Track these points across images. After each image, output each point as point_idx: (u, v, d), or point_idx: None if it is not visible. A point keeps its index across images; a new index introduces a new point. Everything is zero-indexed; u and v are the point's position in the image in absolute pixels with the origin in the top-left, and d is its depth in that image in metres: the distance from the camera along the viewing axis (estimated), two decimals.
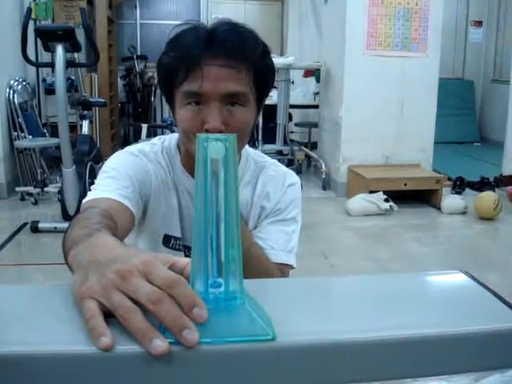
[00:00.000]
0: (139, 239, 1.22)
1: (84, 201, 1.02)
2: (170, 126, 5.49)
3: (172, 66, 1.03)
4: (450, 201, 4.76)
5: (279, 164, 1.28)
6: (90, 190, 1.07)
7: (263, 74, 1.06)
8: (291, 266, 1.20)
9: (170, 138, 1.21)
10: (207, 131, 0.99)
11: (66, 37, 3.76)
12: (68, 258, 0.64)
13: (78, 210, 0.90)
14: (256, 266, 1.06)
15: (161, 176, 1.16)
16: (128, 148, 1.18)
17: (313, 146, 6.43)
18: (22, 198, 4.76)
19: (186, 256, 1.17)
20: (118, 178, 1.07)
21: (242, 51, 1.01)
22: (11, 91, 4.95)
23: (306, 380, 0.48)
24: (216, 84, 1.00)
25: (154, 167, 1.15)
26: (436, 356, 0.50)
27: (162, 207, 1.17)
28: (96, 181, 1.09)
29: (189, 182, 1.16)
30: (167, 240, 1.21)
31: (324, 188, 5.38)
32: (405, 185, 4.75)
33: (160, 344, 0.45)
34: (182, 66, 1.01)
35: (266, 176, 1.23)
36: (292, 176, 1.26)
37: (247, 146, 1.21)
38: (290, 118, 6.50)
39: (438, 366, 0.51)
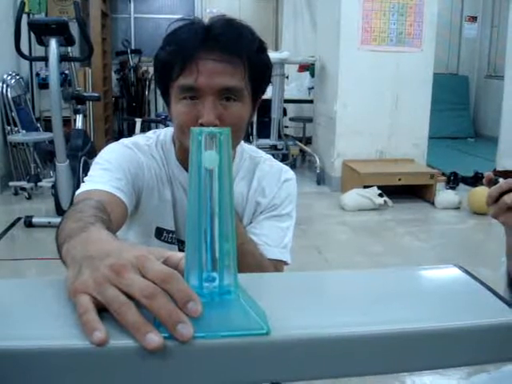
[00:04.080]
0: (130, 231, 1.22)
1: (77, 192, 1.01)
2: (164, 121, 5.48)
3: (168, 60, 1.03)
4: (444, 196, 4.78)
5: (274, 160, 1.28)
6: (83, 182, 1.06)
7: (259, 70, 1.06)
8: (285, 262, 1.20)
9: (166, 132, 1.21)
10: (202, 126, 0.99)
11: (60, 31, 3.73)
12: (62, 251, 0.64)
13: (71, 205, 0.89)
14: (250, 261, 1.06)
15: (154, 169, 1.16)
16: (122, 140, 1.18)
17: (307, 140, 6.43)
18: (16, 193, 4.74)
19: (180, 250, 1.17)
20: (111, 169, 1.07)
21: (238, 46, 1.01)
22: (4, 85, 4.92)
23: (300, 374, 0.48)
24: (211, 78, 1.00)
25: (148, 160, 1.15)
26: (430, 350, 0.50)
27: (154, 200, 1.17)
28: (89, 172, 1.09)
29: (183, 176, 1.16)
30: (159, 232, 1.20)
31: (318, 183, 5.39)
32: (399, 180, 4.76)
33: (154, 338, 0.44)
34: (177, 60, 1.01)
35: (262, 171, 1.23)
36: (288, 172, 1.26)
37: (242, 142, 1.20)
38: (285, 112, 6.49)
39: (433, 360, 0.51)
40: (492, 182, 0.97)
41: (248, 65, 1.03)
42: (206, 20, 1.05)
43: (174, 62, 1.02)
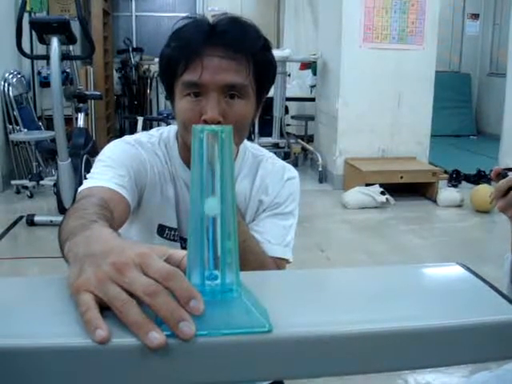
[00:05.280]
0: (132, 228, 1.21)
1: (80, 189, 1.01)
2: (165, 119, 5.48)
3: (173, 56, 1.04)
4: (446, 194, 4.77)
5: (277, 158, 1.28)
6: (86, 179, 1.06)
7: (263, 68, 1.06)
8: (287, 260, 1.20)
9: (169, 130, 1.21)
10: (205, 122, 0.99)
11: (61, 29, 3.73)
12: (64, 249, 0.63)
13: (73, 203, 0.89)
14: (252, 259, 1.06)
15: (157, 167, 1.16)
16: (125, 137, 1.18)
17: (309, 138, 6.43)
18: (18, 192, 4.75)
19: (182, 248, 1.17)
20: (114, 166, 1.06)
21: (242, 43, 1.01)
22: (6, 84, 4.92)
23: (302, 372, 0.48)
24: (215, 75, 1.00)
25: (150, 158, 1.15)
26: (433, 348, 0.50)
27: (157, 198, 1.16)
28: (92, 169, 1.08)
29: (186, 174, 1.16)
30: (161, 230, 1.20)
31: (320, 181, 5.39)
32: (401, 178, 4.76)
33: (156, 336, 0.44)
34: (182, 56, 1.02)
35: (265, 169, 1.22)
36: (291, 170, 1.26)
37: (245, 140, 1.20)
38: (287, 110, 6.49)
39: (435, 358, 0.51)
40: (501, 176, 0.97)
41: (253, 62, 1.03)
42: (209, 18, 1.05)
43: (178, 58, 1.02)
